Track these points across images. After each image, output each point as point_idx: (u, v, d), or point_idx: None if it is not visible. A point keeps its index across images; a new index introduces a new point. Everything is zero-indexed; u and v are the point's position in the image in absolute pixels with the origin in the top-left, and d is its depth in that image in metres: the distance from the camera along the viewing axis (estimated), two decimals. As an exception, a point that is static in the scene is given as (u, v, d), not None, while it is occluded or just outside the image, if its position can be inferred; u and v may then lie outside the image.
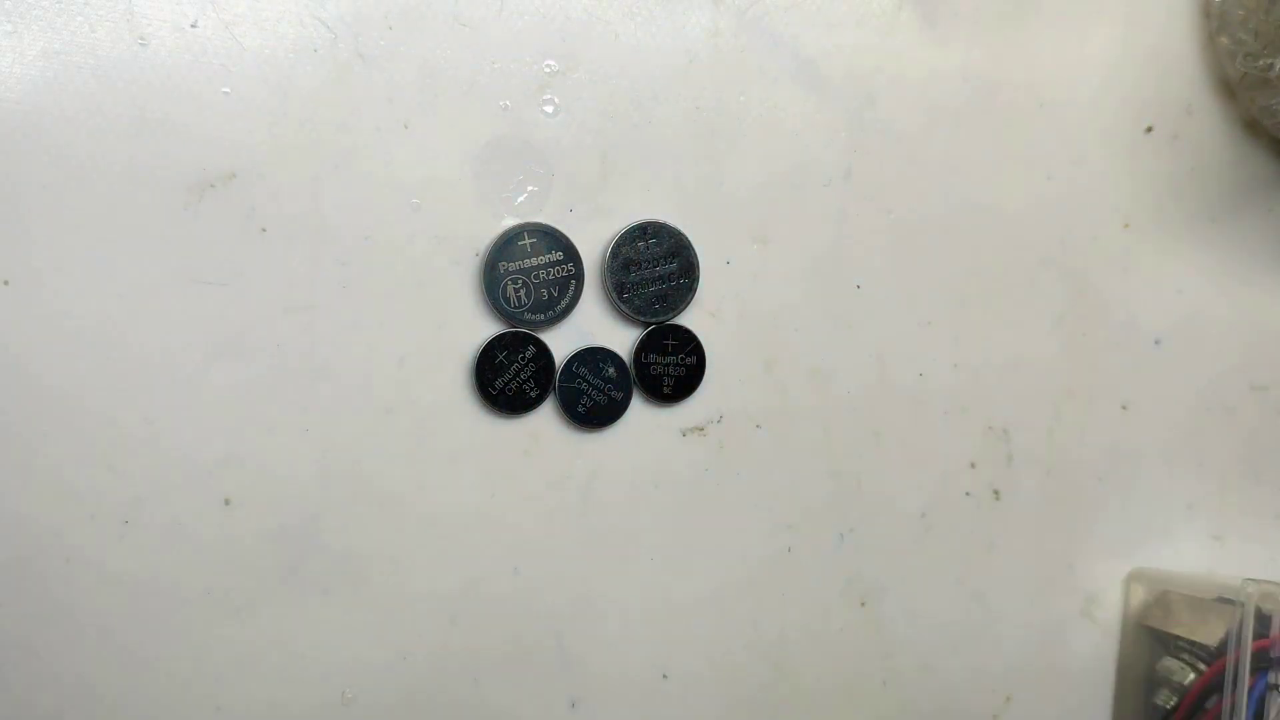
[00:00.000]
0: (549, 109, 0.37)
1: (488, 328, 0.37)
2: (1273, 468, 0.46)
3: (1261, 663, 0.38)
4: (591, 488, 0.39)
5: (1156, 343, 0.45)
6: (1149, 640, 0.43)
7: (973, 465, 0.42)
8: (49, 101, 0.32)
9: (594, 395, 0.38)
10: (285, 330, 0.35)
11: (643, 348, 0.38)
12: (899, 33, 0.40)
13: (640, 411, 0.39)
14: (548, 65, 0.37)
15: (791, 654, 0.42)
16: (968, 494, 0.42)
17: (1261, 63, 0.41)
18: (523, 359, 0.37)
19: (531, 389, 0.37)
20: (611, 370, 0.38)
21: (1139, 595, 0.44)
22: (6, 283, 0.32)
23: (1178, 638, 0.42)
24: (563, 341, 0.38)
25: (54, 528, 0.33)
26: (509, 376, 0.37)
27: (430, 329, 0.36)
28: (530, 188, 0.37)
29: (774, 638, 0.41)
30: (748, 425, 0.40)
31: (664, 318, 0.38)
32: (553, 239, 0.37)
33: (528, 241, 0.36)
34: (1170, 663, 0.42)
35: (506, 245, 0.36)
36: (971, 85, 0.41)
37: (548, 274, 0.37)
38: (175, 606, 0.35)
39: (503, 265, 0.36)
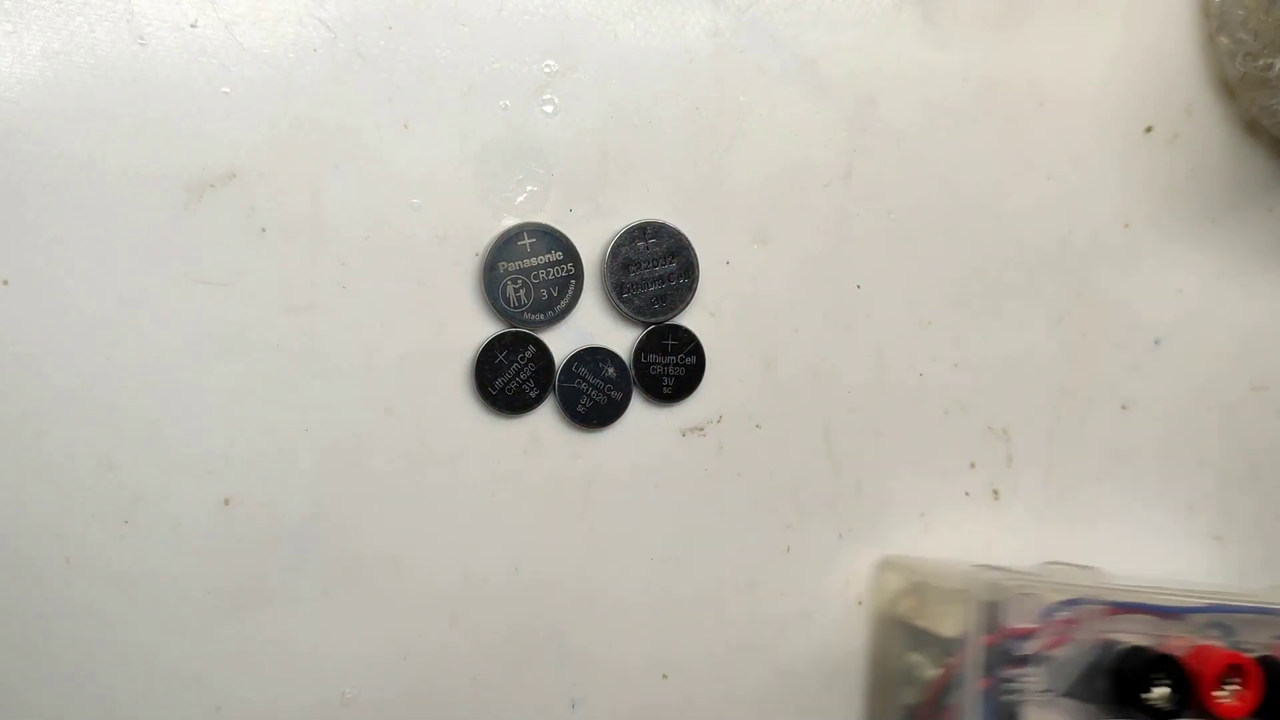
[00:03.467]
0: (549, 109, 0.37)
1: (487, 328, 0.37)
2: (1273, 468, 0.46)
3: (997, 660, 0.34)
4: (591, 488, 0.39)
5: (1156, 343, 0.45)
6: (901, 633, 0.40)
7: (972, 465, 0.42)
8: (49, 101, 0.32)
9: (594, 395, 0.38)
10: (285, 330, 0.35)
11: (642, 348, 0.38)
12: (899, 33, 0.40)
13: (640, 411, 0.39)
14: (548, 65, 0.37)
15: (790, 653, 0.42)
16: (967, 494, 0.42)
17: (1261, 63, 0.41)
18: (522, 359, 0.37)
19: (531, 389, 0.37)
20: (611, 370, 0.38)
21: (891, 584, 0.41)
22: (6, 283, 0.32)
23: (923, 631, 0.39)
24: (562, 341, 0.38)
25: (54, 528, 0.33)
26: (509, 376, 0.37)
27: (430, 329, 0.36)
28: (530, 188, 0.37)
29: (772, 637, 0.41)
30: (748, 425, 0.40)
31: (664, 318, 0.38)
32: (553, 239, 0.37)
33: (527, 241, 0.36)
34: (916, 657, 0.39)
35: (506, 245, 0.36)
36: (971, 85, 0.41)
37: (547, 274, 0.37)
38: (175, 606, 0.35)
39: (502, 265, 0.36)
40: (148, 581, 0.34)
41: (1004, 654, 0.34)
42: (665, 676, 0.40)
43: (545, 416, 0.38)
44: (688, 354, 0.39)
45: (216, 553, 0.35)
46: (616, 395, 0.38)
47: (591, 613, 0.39)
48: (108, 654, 0.34)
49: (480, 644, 0.38)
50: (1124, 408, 0.44)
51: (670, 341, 0.39)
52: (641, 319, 0.38)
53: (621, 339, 0.38)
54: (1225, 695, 0.35)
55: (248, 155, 0.34)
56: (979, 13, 0.41)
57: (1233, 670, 0.35)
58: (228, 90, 0.34)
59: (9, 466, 0.33)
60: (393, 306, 0.36)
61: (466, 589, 0.38)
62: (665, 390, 0.39)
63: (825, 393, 0.41)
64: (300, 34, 0.34)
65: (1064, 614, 0.35)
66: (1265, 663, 0.35)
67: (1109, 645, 0.35)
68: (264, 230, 0.35)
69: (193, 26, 0.33)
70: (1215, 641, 0.36)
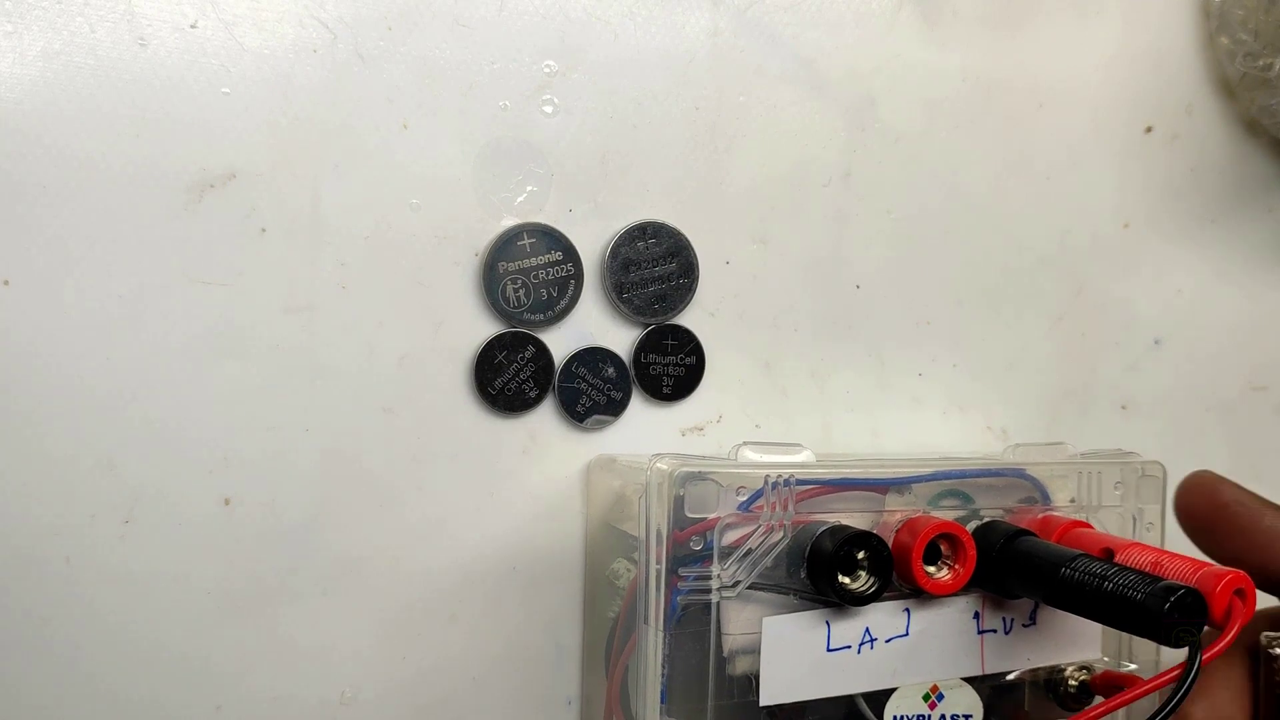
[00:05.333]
0: (549, 109, 0.37)
1: (487, 328, 0.37)
2: (1273, 468, 0.46)
3: (685, 555, 0.31)
4: (591, 488, 0.39)
5: (1156, 343, 0.45)
6: (609, 538, 0.37)
7: (972, 465, 0.42)
8: (49, 101, 0.32)
9: (594, 395, 0.38)
10: (285, 330, 0.35)
11: (642, 348, 0.38)
12: (899, 33, 0.40)
13: (640, 411, 0.39)
14: (547, 65, 0.37)
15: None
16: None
17: (1261, 63, 0.41)
18: (522, 359, 0.37)
19: (531, 389, 0.37)
20: (611, 370, 0.38)
21: (602, 487, 0.37)
22: (7, 283, 0.32)
23: (627, 534, 0.35)
24: (562, 341, 0.38)
25: (54, 528, 0.33)
26: (508, 376, 0.37)
27: (430, 329, 0.36)
28: (530, 188, 0.37)
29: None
30: (747, 425, 0.40)
31: (664, 318, 0.38)
32: (552, 239, 0.37)
33: (527, 241, 0.36)
34: (618, 565, 0.36)
35: (506, 245, 0.36)
36: (971, 85, 0.41)
37: (547, 274, 0.37)
38: (175, 606, 0.35)
39: (502, 265, 0.36)
40: (148, 581, 0.34)
41: (689, 550, 0.31)
42: (665, 676, 0.40)
43: (545, 416, 0.38)
44: (688, 354, 0.39)
45: (216, 552, 0.35)
46: (616, 395, 0.38)
47: (591, 613, 0.39)
48: (108, 653, 0.34)
49: (480, 644, 0.38)
50: (1124, 408, 0.44)
51: (670, 341, 0.39)
52: (641, 319, 0.38)
53: (621, 339, 0.38)
54: (937, 570, 0.32)
55: (248, 155, 0.34)
56: (979, 13, 0.41)
57: (947, 542, 0.32)
58: (228, 90, 0.34)
59: (9, 466, 0.33)
60: (393, 306, 0.36)
61: (466, 589, 0.38)
62: (665, 390, 0.39)
63: (825, 393, 0.41)
64: (300, 34, 0.34)
65: (757, 501, 0.31)
66: (985, 531, 0.33)
67: (809, 528, 0.32)
68: (264, 230, 0.35)
69: (193, 27, 0.34)
70: (946, 513, 0.33)
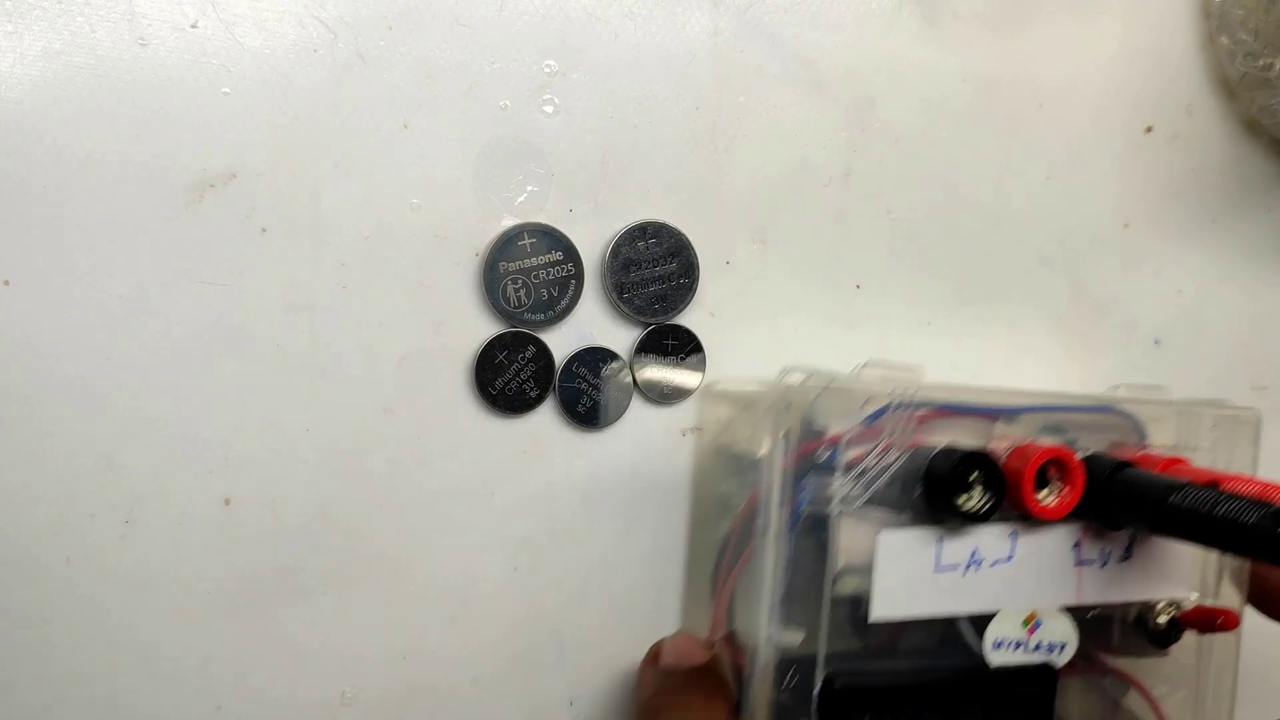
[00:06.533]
0: (549, 109, 0.37)
1: (488, 328, 0.37)
2: (1274, 468, 0.46)
3: (805, 470, 0.32)
4: (591, 487, 0.39)
5: (1156, 343, 0.45)
6: (721, 462, 0.38)
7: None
8: (49, 101, 0.32)
9: (594, 395, 0.38)
10: (285, 330, 0.35)
11: (643, 348, 0.38)
12: (899, 33, 0.40)
13: (640, 411, 0.39)
14: (548, 65, 0.37)
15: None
16: (968, 494, 0.42)
17: (1261, 63, 0.41)
18: (522, 359, 0.37)
19: (531, 389, 0.37)
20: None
21: (713, 416, 0.38)
22: (7, 283, 0.32)
23: (740, 456, 0.36)
24: (563, 341, 0.38)
25: (54, 528, 0.33)
26: (509, 376, 0.37)
27: (430, 329, 0.36)
28: (530, 188, 0.37)
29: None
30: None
31: (664, 318, 0.38)
32: (553, 239, 0.37)
33: (528, 241, 0.36)
34: (730, 485, 0.37)
35: (506, 245, 0.36)
36: (971, 85, 0.41)
37: (548, 274, 0.37)
38: (175, 606, 0.35)
39: (503, 265, 0.36)
40: (148, 581, 0.34)
41: (812, 463, 0.32)
42: (665, 676, 0.40)
43: (545, 416, 0.38)
44: (688, 354, 0.39)
45: (217, 552, 0.35)
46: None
47: (591, 612, 0.39)
48: (108, 653, 0.34)
49: (480, 644, 0.38)
50: (1124, 408, 0.44)
51: (670, 341, 0.39)
52: (641, 319, 0.38)
53: (622, 339, 0.38)
54: (1046, 495, 0.33)
55: (248, 155, 0.34)
56: (979, 13, 0.41)
57: (1056, 468, 0.33)
58: (228, 90, 0.34)
59: (9, 466, 0.33)
60: (393, 306, 0.36)
61: (466, 589, 0.38)
62: (665, 390, 0.39)
63: (825, 393, 0.41)
64: (300, 34, 0.34)
65: (880, 419, 0.32)
66: (1092, 461, 0.33)
67: (924, 450, 0.33)
68: (264, 230, 0.35)
69: (193, 27, 0.34)
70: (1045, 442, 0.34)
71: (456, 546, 0.37)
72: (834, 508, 0.32)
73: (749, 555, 0.33)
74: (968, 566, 0.33)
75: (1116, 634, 0.37)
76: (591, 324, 0.38)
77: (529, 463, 0.38)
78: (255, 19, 0.34)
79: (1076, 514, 0.33)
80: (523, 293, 0.37)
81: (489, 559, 0.38)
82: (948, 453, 0.33)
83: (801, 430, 0.32)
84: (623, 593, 0.39)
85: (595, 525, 0.39)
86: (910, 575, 0.32)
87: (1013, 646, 0.34)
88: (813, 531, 0.32)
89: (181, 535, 0.35)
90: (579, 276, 0.37)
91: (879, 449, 0.32)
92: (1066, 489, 0.33)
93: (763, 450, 0.33)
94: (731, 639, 0.35)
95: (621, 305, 0.38)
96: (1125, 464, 0.33)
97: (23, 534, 0.33)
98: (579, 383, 0.38)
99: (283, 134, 0.34)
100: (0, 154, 0.32)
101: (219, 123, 0.34)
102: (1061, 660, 0.35)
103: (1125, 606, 0.36)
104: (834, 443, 0.32)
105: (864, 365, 0.34)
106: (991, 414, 0.34)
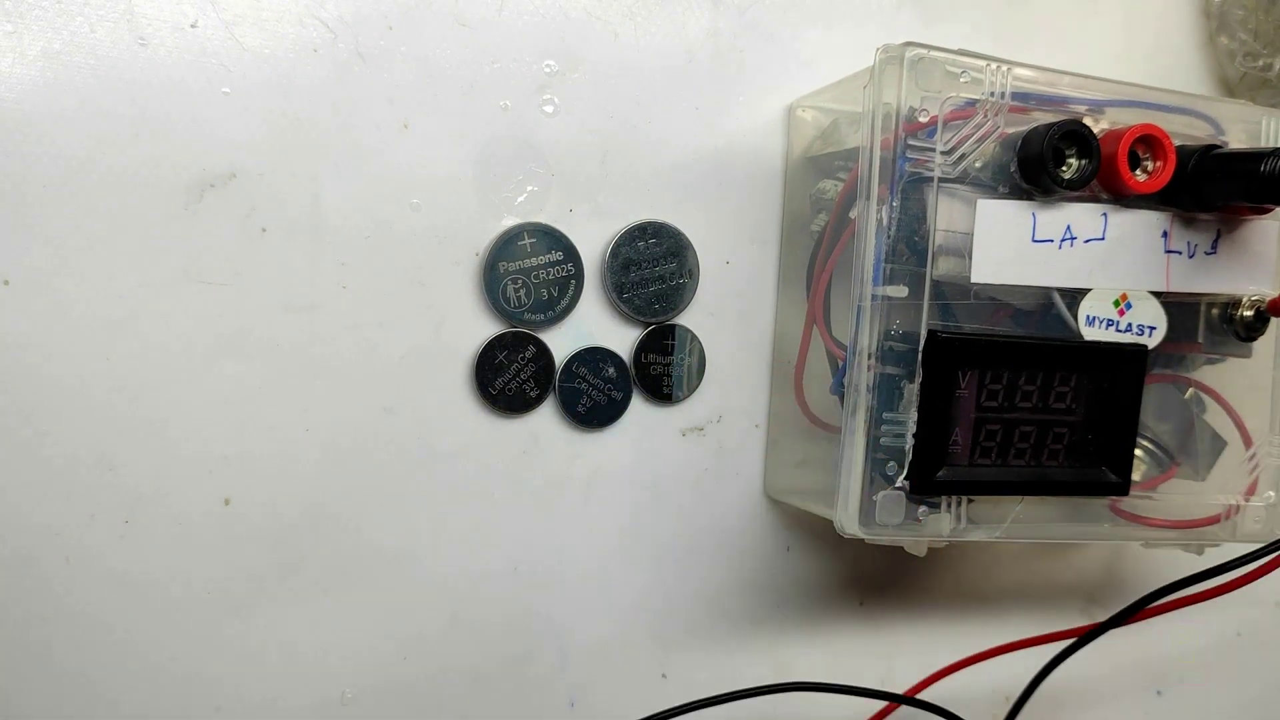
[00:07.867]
0: (549, 109, 0.37)
1: (488, 328, 0.37)
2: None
3: (904, 149, 0.32)
4: (591, 487, 0.39)
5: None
6: (811, 170, 0.39)
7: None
8: (49, 101, 0.32)
9: (594, 395, 0.38)
10: (285, 330, 0.35)
11: (643, 348, 0.38)
12: (899, 33, 0.40)
13: (640, 411, 0.39)
14: (547, 65, 0.37)
15: (786, 652, 0.42)
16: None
17: (1261, 63, 0.42)
18: (523, 359, 0.37)
19: (531, 389, 0.37)
20: (611, 370, 0.38)
21: (803, 126, 0.39)
22: (7, 283, 0.32)
23: (833, 155, 0.37)
24: (563, 341, 0.38)
25: (54, 528, 0.33)
26: (509, 376, 0.37)
27: (430, 329, 0.36)
28: (530, 188, 0.37)
29: (773, 636, 0.42)
30: (747, 425, 0.40)
31: (664, 318, 0.38)
32: (553, 239, 0.37)
33: (528, 241, 0.36)
34: (825, 183, 0.37)
35: (506, 245, 0.36)
36: (971, 85, 0.41)
37: (548, 274, 0.37)
38: (175, 606, 0.35)
39: (503, 265, 0.36)
40: (148, 581, 0.34)
41: (919, 119, 0.32)
42: (664, 676, 0.40)
43: (545, 416, 0.38)
44: (688, 354, 0.39)
45: (217, 552, 0.35)
46: (616, 395, 0.38)
47: (591, 612, 0.39)
48: (108, 653, 0.34)
49: (480, 643, 0.38)
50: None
51: (670, 341, 0.39)
52: (641, 319, 0.38)
53: (622, 339, 0.38)
54: (1138, 173, 0.34)
55: (248, 155, 0.34)
56: (979, 12, 0.41)
57: (1146, 148, 0.34)
58: (228, 90, 0.34)
59: (9, 466, 0.33)
60: (393, 306, 0.36)
61: (466, 588, 0.38)
62: (665, 390, 0.39)
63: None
64: (300, 34, 0.34)
65: (975, 104, 0.33)
66: (1180, 146, 0.34)
67: (1015, 136, 0.33)
68: (264, 230, 0.35)
69: (193, 27, 0.33)
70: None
71: (456, 546, 0.37)
72: (936, 169, 0.32)
73: (849, 234, 0.34)
74: (1062, 241, 0.34)
75: (1201, 329, 0.37)
76: (591, 324, 0.38)
77: (529, 462, 0.38)
78: (255, 19, 0.34)
79: (1166, 198, 0.34)
80: (523, 293, 0.37)
81: (489, 558, 0.38)
82: (1044, 126, 0.33)
83: (899, 110, 0.32)
84: (623, 593, 0.39)
85: (596, 525, 0.39)
86: (1008, 243, 0.33)
87: (1104, 324, 0.35)
88: (914, 197, 0.32)
89: (181, 535, 0.35)
90: (579, 276, 0.37)
91: (975, 122, 0.33)
92: (1159, 164, 0.34)
93: (859, 136, 0.33)
94: (828, 327, 0.36)
95: (621, 305, 0.38)
96: (1214, 146, 0.34)
97: (23, 534, 0.33)
98: (579, 382, 0.38)
99: (283, 134, 0.34)
100: (0, 154, 0.32)
101: (219, 122, 0.34)
102: (1152, 342, 0.35)
103: (1211, 300, 0.37)
104: (932, 124, 0.32)
105: (960, 50, 0.34)
106: (1083, 107, 0.35)
